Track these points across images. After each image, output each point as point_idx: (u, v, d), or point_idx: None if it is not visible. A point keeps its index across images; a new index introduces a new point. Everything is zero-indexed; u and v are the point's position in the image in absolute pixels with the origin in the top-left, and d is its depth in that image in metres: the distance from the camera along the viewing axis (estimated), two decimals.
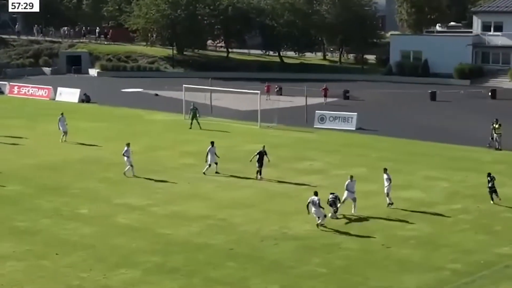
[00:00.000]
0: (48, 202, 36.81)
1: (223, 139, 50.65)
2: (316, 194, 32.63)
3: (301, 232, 31.99)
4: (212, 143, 42.90)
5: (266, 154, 41.58)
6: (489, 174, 36.90)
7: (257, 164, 41.16)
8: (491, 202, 36.34)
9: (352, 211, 34.41)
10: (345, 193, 34.62)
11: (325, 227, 32.41)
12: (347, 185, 34.71)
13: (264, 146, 42.10)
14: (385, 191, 36.04)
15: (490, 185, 36.53)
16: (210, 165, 42.24)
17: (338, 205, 34.00)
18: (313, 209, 32.49)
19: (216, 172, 42.26)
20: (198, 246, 30.39)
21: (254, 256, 29.30)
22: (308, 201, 32.66)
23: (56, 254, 29.34)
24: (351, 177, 35.06)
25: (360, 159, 46.09)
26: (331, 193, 34.18)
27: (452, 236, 31.67)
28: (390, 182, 36.03)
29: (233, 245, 30.47)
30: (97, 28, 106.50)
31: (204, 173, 42.11)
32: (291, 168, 43.74)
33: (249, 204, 36.45)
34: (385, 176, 36.24)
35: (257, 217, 34.30)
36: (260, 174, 41.12)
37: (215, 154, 42.48)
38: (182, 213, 34.88)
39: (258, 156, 41.28)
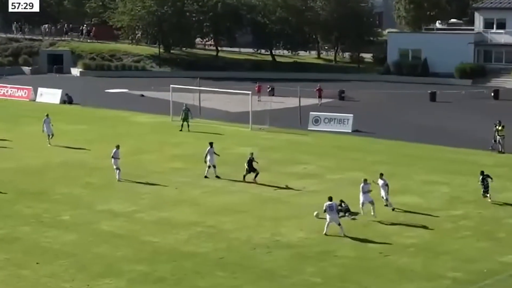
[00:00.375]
0: (28, 208, 36.71)
1: (213, 142, 50.57)
2: (331, 199, 32.52)
3: (294, 240, 32.00)
4: (211, 143, 43.00)
5: (254, 159, 41.55)
6: (482, 173, 37.91)
7: (247, 169, 41.24)
8: (488, 200, 37.17)
9: (372, 214, 34.69)
10: (361, 196, 34.93)
11: (346, 235, 32.33)
12: (362, 187, 35.14)
13: (252, 154, 41.97)
14: (384, 198, 36.14)
15: (481, 182, 37.63)
16: (209, 167, 42.38)
17: (346, 214, 34.90)
18: (327, 216, 32.28)
19: (217, 176, 42.25)
20: (186, 254, 30.36)
21: (245, 265, 29.28)
22: (324, 208, 32.47)
23: (37, 263, 29.26)
24: (365, 180, 35.50)
25: (356, 163, 46.12)
26: (341, 201, 35.07)
27: (453, 243, 31.72)
28: (388, 188, 36.21)
29: (223, 253, 30.45)
30: (84, 25, 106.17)
31: (206, 176, 42.23)
32: (283, 172, 43.74)
33: (240, 210, 36.44)
34: (380, 182, 36.41)
35: (248, 223, 34.29)
36: (255, 178, 41.02)
37: (215, 154, 42.64)
38: (169, 220, 34.84)
39: (248, 164, 41.37)
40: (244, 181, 41.15)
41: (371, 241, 31.79)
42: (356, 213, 35.09)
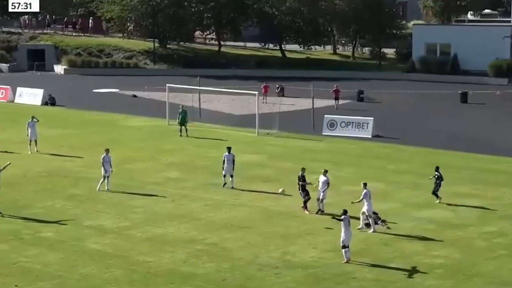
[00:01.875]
0: (6, 223, 36.81)
1: (214, 149, 50.74)
2: (345, 213, 32.32)
3: (306, 259, 32.06)
4: (229, 149, 43.13)
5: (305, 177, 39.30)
6: (437, 169, 39.73)
7: (302, 194, 39.01)
8: (437, 201, 39.23)
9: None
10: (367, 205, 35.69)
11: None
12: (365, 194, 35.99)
13: (304, 170, 39.46)
14: (319, 196, 37.67)
15: (434, 177, 39.55)
16: (231, 176, 42.57)
17: (379, 222, 35.76)
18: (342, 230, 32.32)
19: (232, 187, 42.42)
20: (184, 275, 30.44)
21: None
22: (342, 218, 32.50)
23: (15, 285, 29.33)
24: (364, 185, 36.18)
25: (377, 172, 46.15)
26: (374, 213, 35.78)
27: (487, 264, 31.75)
28: (328, 186, 37.73)
29: (226, 274, 30.53)
30: (86, 19, 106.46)
31: (232, 187, 42.44)
32: (294, 183, 43.73)
33: (245, 225, 36.51)
34: (323, 178, 37.83)
35: (254, 241, 34.36)
36: (305, 204, 38.62)
37: (233, 162, 42.69)
38: (165, 237, 34.93)
39: (300, 182, 39.05)
40: (307, 210, 38.47)
41: (393, 261, 31.82)
42: (385, 220, 35.88)
